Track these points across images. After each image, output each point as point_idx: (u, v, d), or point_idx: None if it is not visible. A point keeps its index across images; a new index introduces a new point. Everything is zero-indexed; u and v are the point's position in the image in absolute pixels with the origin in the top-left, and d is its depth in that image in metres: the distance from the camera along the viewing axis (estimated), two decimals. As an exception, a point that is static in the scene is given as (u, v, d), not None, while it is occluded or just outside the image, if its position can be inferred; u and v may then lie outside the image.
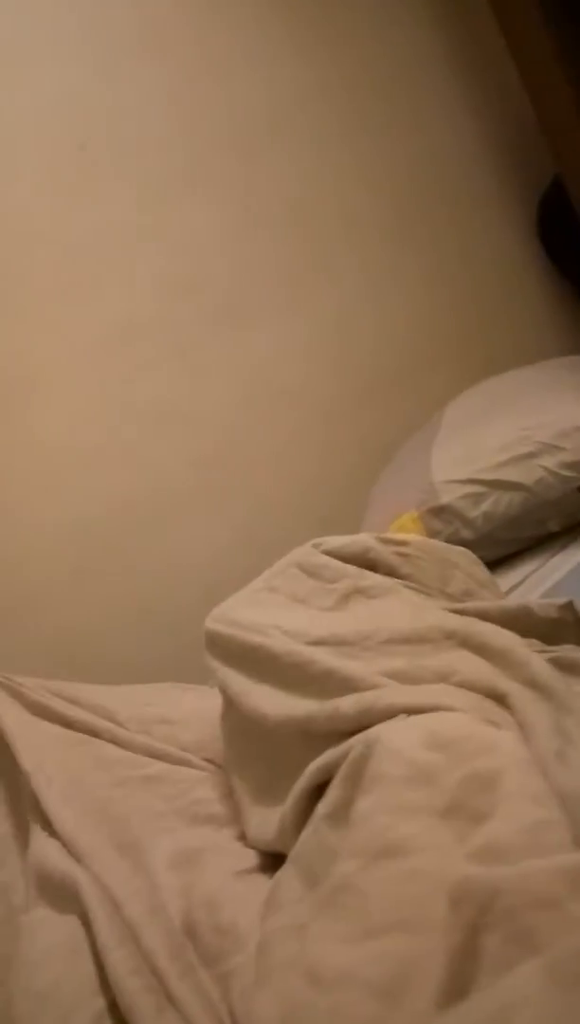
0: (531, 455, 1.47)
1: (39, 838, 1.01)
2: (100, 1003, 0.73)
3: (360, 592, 1.04)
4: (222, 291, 2.00)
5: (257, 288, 2.04)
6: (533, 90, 2.40)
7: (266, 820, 0.86)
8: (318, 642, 0.93)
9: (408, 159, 2.25)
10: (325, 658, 0.88)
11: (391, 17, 2.25)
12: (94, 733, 1.17)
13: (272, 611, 1.04)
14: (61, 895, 0.90)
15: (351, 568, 1.09)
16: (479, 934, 0.47)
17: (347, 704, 0.81)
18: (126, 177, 1.92)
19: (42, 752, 1.14)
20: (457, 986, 0.45)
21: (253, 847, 0.88)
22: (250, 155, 2.05)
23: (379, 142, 2.22)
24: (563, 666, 0.87)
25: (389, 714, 0.76)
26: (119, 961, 0.73)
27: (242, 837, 0.91)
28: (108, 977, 0.73)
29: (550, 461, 1.46)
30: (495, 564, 1.48)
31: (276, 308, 2.05)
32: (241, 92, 2.05)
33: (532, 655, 0.85)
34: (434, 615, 0.96)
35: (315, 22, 2.15)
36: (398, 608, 1.00)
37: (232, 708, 0.97)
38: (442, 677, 0.84)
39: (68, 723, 1.22)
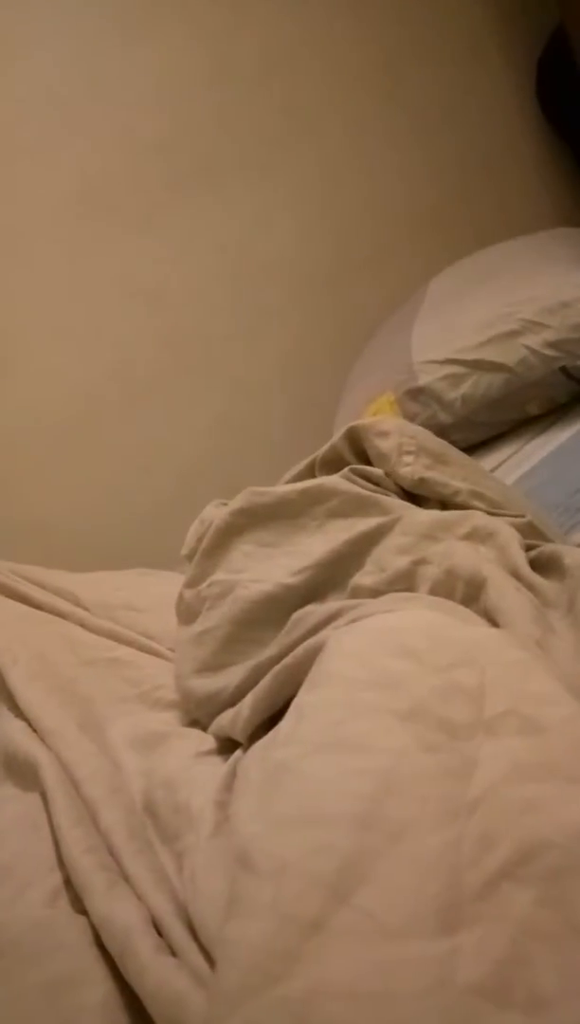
0: (514, 333, 1.41)
1: (5, 717, 1.02)
2: (56, 879, 0.74)
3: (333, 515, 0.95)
4: (193, 149, 1.86)
5: (232, 147, 1.90)
6: None
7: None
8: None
9: (399, 10, 2.06)
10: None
11: None
12: (59, 615, 1.17)
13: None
14: (25, 773, 0.91)
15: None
16: (505, 880, 0.45)
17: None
18: (83, 16, 1.75)
19: (8, 630, 1.14)
20: (448, 919, 0.44)
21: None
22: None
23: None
24: (541, 563, 0.86)
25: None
26: (74, 840, 0.74)
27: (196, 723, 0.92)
28: (63, 855, 0.74)
29: (533, 340, 1.39)
30: (472, 448, 1.45)
31: (253, 170, 1.92)
32: None
33: (520, 550, 0.84)
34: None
35: None
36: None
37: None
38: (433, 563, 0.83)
39: (34, 605, 1.21)
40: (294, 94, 1.96)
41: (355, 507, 0.95)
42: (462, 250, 1.85)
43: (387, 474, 1.00)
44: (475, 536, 0.89)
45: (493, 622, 0.77)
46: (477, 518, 0.91)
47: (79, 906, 0.69)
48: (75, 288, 1.77)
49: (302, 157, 1.98)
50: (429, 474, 0.99)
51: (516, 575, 0.82)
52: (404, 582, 0.86)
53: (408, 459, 1.00)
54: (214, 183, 1.88)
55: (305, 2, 1.95)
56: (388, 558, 0.89)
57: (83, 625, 1.16)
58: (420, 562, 0.87)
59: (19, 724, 0.97)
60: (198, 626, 0.94)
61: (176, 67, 1.82)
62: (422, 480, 0.98)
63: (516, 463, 1.30)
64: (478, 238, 1.89)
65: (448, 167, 2.12)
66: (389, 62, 2.05)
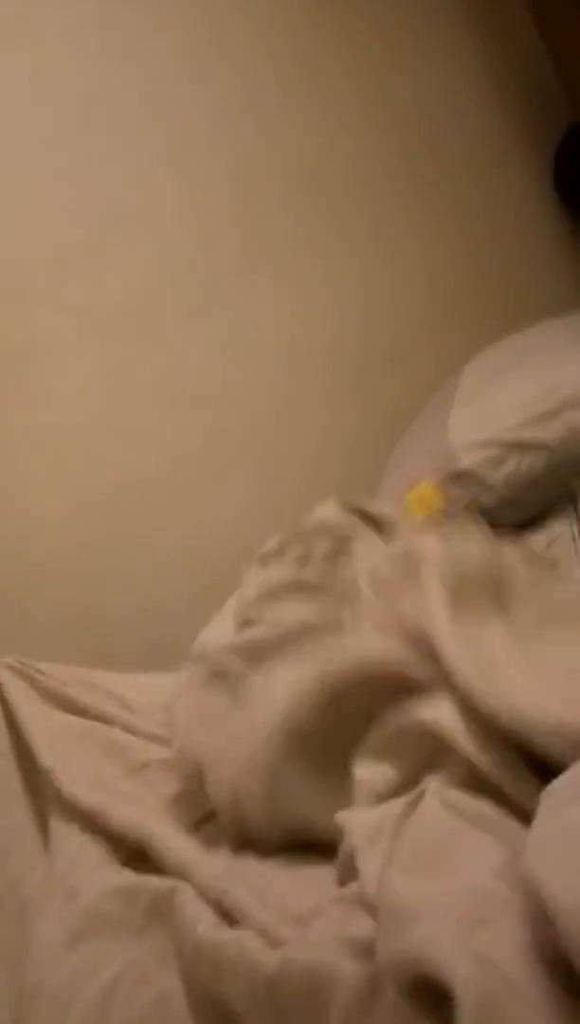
0: (553, 412, 1.40)
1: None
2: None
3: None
4: (231, 257, 1.94)
5: (268, 253, 1.97)
6: (549, 37, 2.29)
7: None
8: None
9: (419, 114, 2.16)
10: None
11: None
12: (105, 719, 1.14)
13: None
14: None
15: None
16: None
17: None
18: (128, 146, 1.86)
19: (58, 745, 1.11)
20: None
21: None
22: (257, 116, 1.98)
23: (389, 97, 2.13)
24: None
25: None
26: None
27: None
28: None
29: (573, 417, 1.38)
30: (521, 527, 1.41)
31: (289, 273, 1.99)
32: (246, 53, 1.98)
33: None
34: None
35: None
36: None
37: None
38: None
39: (81, 709, 1.18)
40: (324, 201, 2.04)
41: None
42: (493, 336, 1.87)
43: None
44: None
45: None
46: None
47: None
48: (116, 390, 1.83)
49: (333, 257, 2.05)
50: None
51: None
52: None
53: None
54: (251, 286, 1.95)
55: (332, 116, 2.06)
56: None
57: (127, 728, 1.13)
58: None
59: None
60: None
61: (216, 186, 1.92)
62: None
63: (571, 537, 1.26)
64: (505, 325, 1.92)
65: (477, 259, 2.17)
66: (410, 165, 2.14)
